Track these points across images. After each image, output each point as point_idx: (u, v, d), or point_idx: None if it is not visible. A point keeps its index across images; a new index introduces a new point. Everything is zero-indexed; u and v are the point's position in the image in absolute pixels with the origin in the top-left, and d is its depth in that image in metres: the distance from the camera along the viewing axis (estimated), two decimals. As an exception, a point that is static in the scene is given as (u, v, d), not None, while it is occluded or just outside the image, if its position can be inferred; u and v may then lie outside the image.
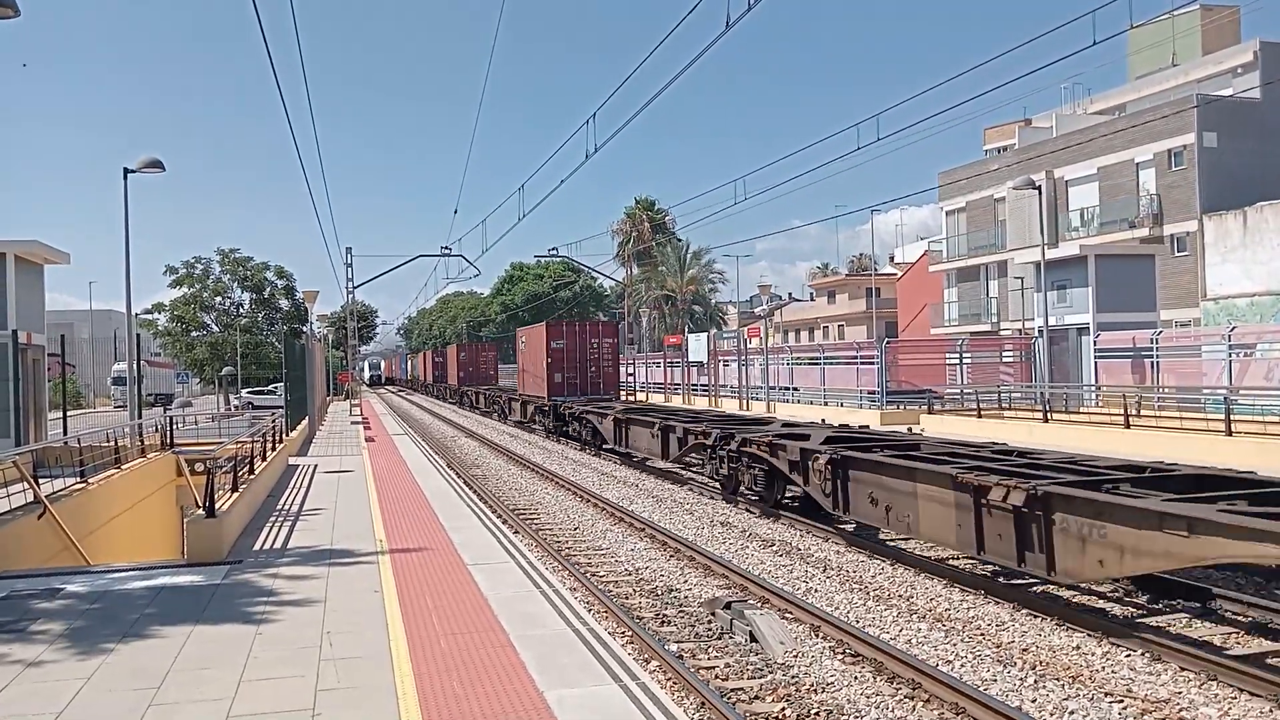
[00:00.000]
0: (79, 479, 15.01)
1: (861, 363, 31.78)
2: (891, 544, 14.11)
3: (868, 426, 21.07)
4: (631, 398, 42.67)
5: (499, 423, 45.06)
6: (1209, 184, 36.15)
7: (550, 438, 34.98)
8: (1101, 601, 11.18)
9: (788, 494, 16.95)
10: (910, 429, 20.69)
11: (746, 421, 23.17)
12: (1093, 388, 25.32)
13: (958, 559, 13.31)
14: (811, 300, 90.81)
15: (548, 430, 35.73)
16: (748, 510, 17.68)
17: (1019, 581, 11.97)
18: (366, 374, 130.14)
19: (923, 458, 13.30)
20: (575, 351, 36.15)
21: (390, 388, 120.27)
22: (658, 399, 47.33)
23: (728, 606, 10.58)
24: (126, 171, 21.37)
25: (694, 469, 22.46)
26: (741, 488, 18.08)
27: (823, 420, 21.77)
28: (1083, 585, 10.99)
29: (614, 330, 39.72)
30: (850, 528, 15.08)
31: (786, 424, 20.50)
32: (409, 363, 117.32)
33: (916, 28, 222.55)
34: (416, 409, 64.25)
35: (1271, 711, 7.71)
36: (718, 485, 19.40)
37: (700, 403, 41.80)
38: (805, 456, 15.08)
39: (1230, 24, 47.41)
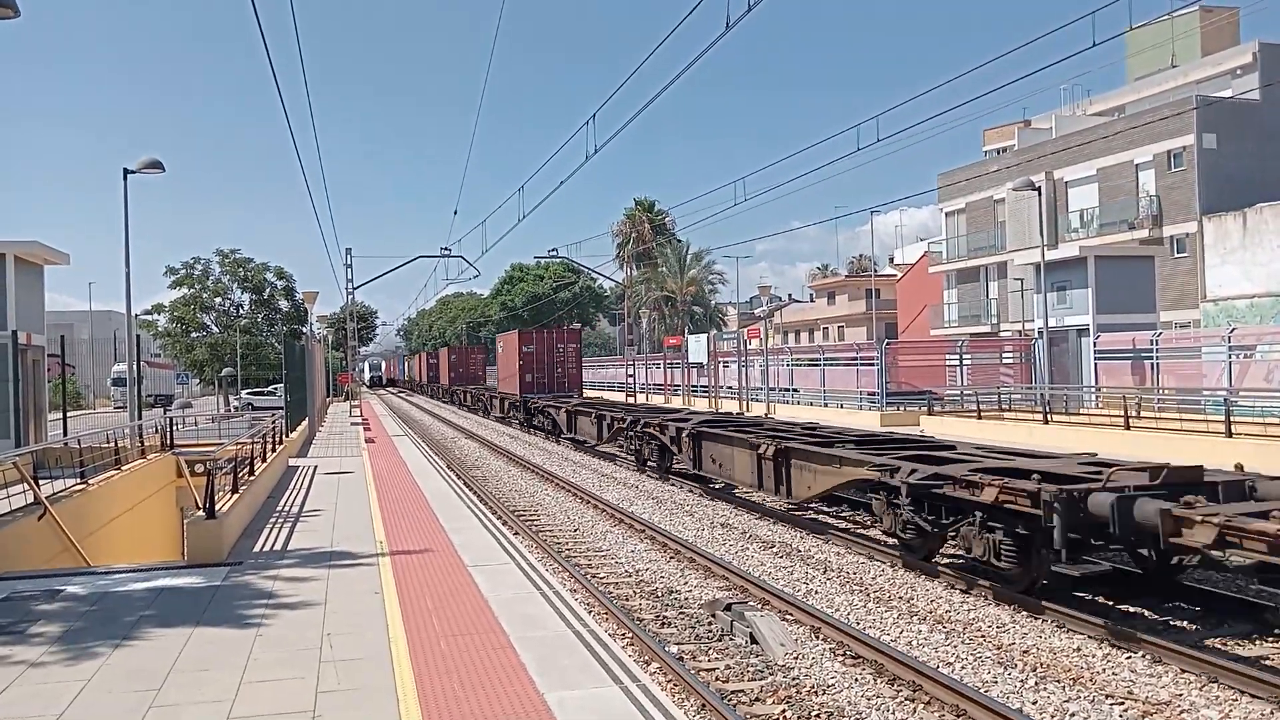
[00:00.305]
0: (79, 480, 15.00)
1: (861, 364, 31.77)
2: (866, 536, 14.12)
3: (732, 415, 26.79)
4: (603, 395, 47.20)
5: (496, 423, 45.23)
6: (1208, 185, 36.16)
7: (526, 430, 39.14)
8: (1103, 602, 11.17)
9: (675, 464, 22.17)
10: (898, 429, 20.71)
11: (666, 411, 28.42)
12: (1093, 389, 25.33)
13: (957, 561, 13.33)
14: (811, 301, 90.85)
15: (520, 423, 40.29)
16: (650, 476, 22.94)
17: (1018, 588, 11.98)
18: (367, 375, 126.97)
19: (741, 430, 18.94)
20: (544, 355, 40.69)
21: (391, 389, 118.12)
22: (658, 400, 47.35)
23: (728, 608, 10.58)
24: (126, 172, 21.39)
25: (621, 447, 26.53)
26: (648, 461, 23.27)
27: (789, 418, 25.71)
28: (808, 505, 16.55)
29: (577, 336, 43.87)
30: (718, 485, 20.10)
31: (695, 412, 27.56)
32: (405, 364, 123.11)
33: (916, 29, 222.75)
34: (416, 410, 64.25)
35: (1273, 714, 7.71)
36: (631, 459, 24.83)
37: (700, 404, 41.81)
38: (679, 432, 20.73)
39: (1229, 25, 47.45)
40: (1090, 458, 12.55)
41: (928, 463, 12.55)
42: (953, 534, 11.63)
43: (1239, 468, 10.89)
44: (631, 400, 44.19)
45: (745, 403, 36.91)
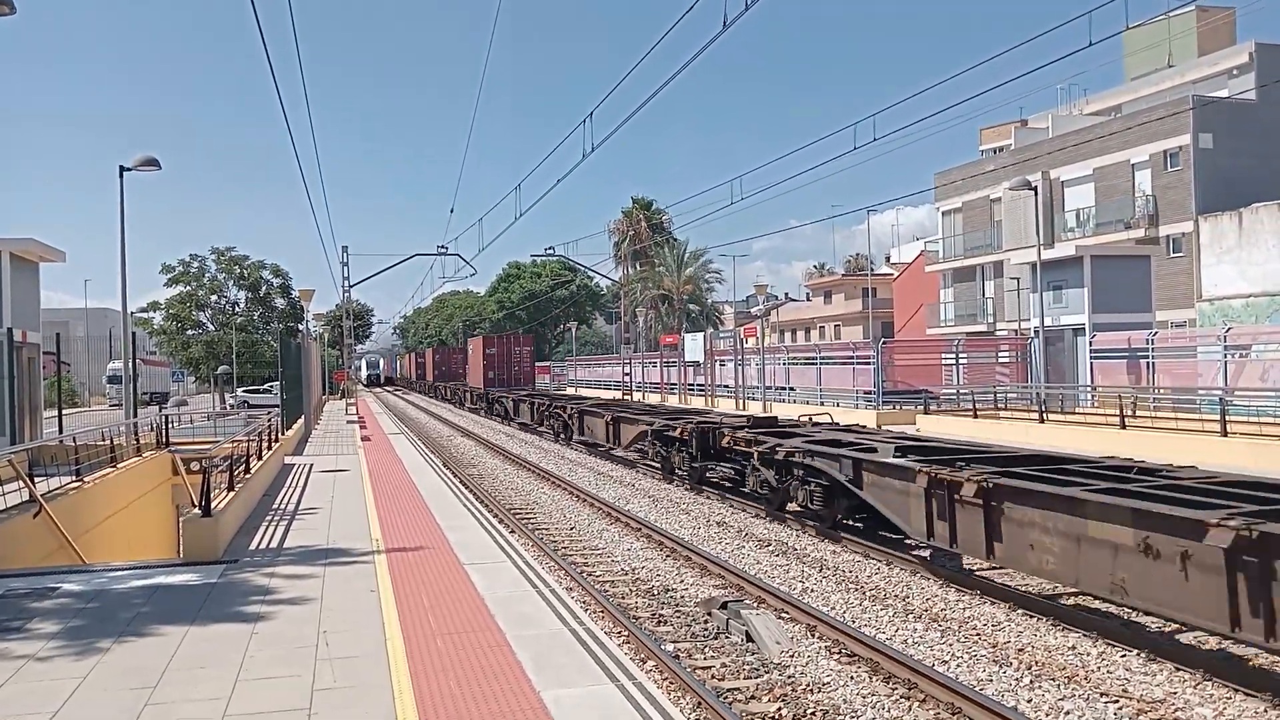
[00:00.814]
0: (74, 478, 14.98)
1: (857, 363, 31.77)
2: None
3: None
4: (592, 393, 53.18)
5: (484, 418, 45.69)
6: (1205, 185, 36.22)
7: (488, 416, 48.11)
8: (1097, 602, 11.21)
9: (579, 437, 29.65)
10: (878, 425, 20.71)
11: (578, 399, 36.47)
12: (1088, 388, 25.36)
13: (951, 560, 13.37)
14: (808, 300, 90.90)
15: (484, 411, 49.35)
16: (569, 445, 31.03)
17: (1013, 583, 12.01)
18: (364, 373, 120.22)
19: (601, 406, 25.18)
20: (503, 356, 51.51)
21: (390, 388, 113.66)
22: (654, 399, 47.37)
23: (724, 606, 10.59)
24: (122, 169, 21.34)
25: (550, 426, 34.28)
26: (559, 433, 31.49)
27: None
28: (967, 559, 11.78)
29: (531, 341, 56.47)
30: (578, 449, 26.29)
31: (603, 399, 36.14)
32: (398, 363, 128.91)
33: (913, 28, 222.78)
34: (412, 408, 64.27)
35: (1267, 712, 7.73)
36: (550, 433, 33.07)
37: (696, 403, 41.83)
38: (576, 411, 29.66)
39: (1226, 25, 47.51)
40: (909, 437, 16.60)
41: (780, 438, 16.35)
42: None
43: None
44: (614, 396, 47.66)
45: (741, 401, 36.92)
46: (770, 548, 14.53)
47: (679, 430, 20.34)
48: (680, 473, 20.82)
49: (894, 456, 12.73)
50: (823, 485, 14.40)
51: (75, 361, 75.52)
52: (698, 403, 41.69)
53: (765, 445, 16.24)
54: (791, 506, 15.99)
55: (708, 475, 20.11)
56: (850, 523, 14.75)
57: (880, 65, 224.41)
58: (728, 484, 19.42)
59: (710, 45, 15.34)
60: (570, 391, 54.55)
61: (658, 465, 22.65)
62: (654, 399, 47.46)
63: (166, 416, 24.27)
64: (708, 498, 19.34)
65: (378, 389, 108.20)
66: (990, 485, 10.30)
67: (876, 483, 12.91)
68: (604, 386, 57.08)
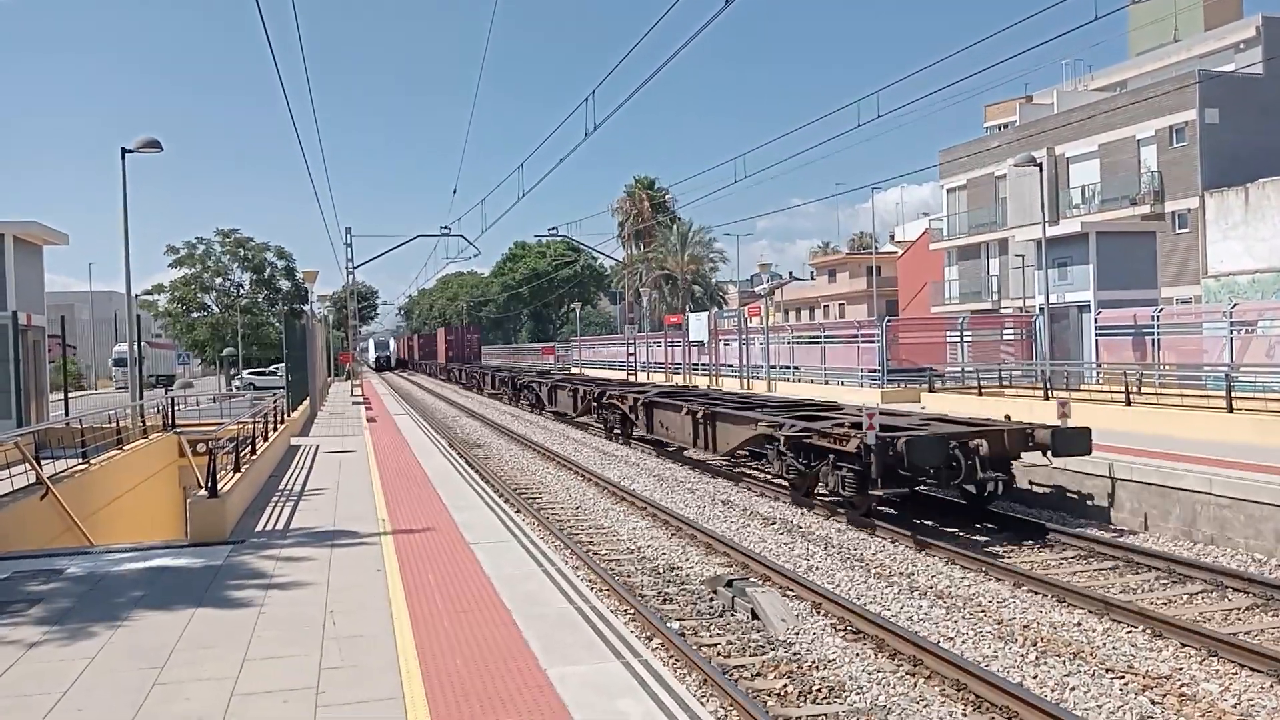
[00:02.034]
0: (81, 460, 15.02)
1: (862, 341, 31.70)
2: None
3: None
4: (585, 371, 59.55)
5: (482, 396, 45.61)
6: (1210, 161, 35.97)
7: (448, 382, 70.54)
8: (1103, 579, 11.22)
9: (490, 390, 46.81)
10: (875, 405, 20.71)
11: (525, 370, 49.93)
12: (1093, 365, 25.30)
13: (957, 537, 13.38)
14: (812, 279, 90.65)
15: (445, 378, 73.87)
16: (518, 405, 41.05)
17: (1018, 560, 12.03)
18: (372, 354, 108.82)
19: (677, 399, 22.77)
20: (458, 341, 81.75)
21: (401, 371, 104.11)
22: (659, 378, 47.42)
23: (729, 584, 10.62)
24: (124, 151, 21.27)
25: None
26: (513, 397, 41.84)
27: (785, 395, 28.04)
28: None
29: (478, 329, 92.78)
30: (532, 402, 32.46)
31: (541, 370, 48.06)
32: (394, 345, 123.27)
33: (917, 4, 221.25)
34: (418, 389, 64.42)
35: (1272, 687, 7.74)
36: (504, 396, 45.15)
37: (701, 382, 41.84)
38: (510, 378, 43.02)
39: (1232, -1, 47.14)
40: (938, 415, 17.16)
41: (639, 393, 23.59)
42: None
43: (1007, 418, 15.01)
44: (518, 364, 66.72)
45: (745, 380, 36.90)
46: (775, 526, 14.56)
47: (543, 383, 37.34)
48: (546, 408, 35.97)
49: (658, 397, 23.78)
50: (461, 378, 47.78)
51: (81, 345, 75.59)
52: (702, 382, 41.69)
53: (629, 398, 25.33)
54: (636, 432, 25.06)
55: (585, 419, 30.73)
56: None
57: (883, 42, 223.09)
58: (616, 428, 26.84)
59: (712, 22, 15.22)
60: (575, 371, 56.20)
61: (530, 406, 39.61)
62: (659, 378, 47.47)
63: (172, 399, 24.32)
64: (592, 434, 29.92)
65: (386, 373, 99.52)
66: (700, 412, 20.02)
67: (659, 413, 22.97)
68: (608, 367, 57.09)
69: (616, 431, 26.42)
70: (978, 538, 13.28)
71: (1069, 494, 14.85)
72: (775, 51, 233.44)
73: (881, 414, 14.37)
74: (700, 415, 19.93)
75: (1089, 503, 14.47)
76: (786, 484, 16.54)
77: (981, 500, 14.05)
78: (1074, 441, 13.83)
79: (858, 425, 13.77)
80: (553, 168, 72.57)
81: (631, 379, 44.80)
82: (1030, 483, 15.43)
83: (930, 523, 14.17)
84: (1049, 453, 13.75)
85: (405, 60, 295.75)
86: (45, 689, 6.33)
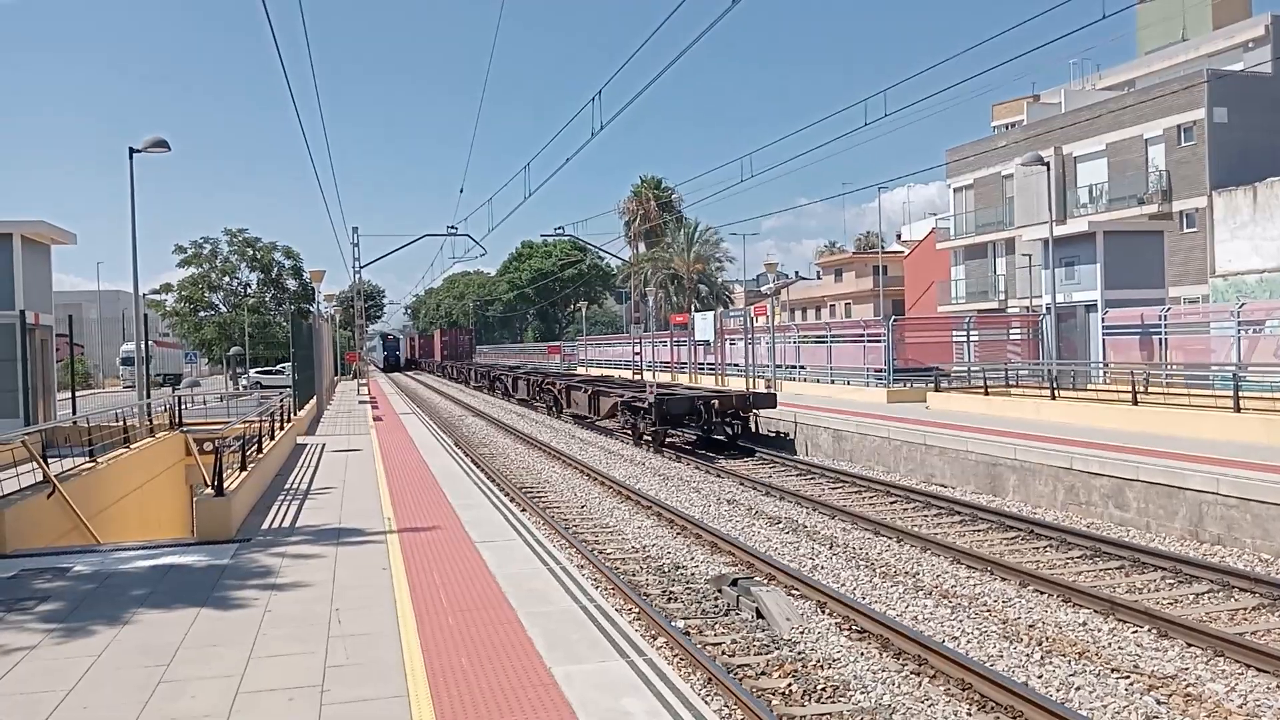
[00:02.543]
0: (88, 458, 15.05)
1: (868, 341, 31.62)
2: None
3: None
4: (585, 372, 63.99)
5: (501, 400, 45.73)
6: (1219, 160, 35.86)
7: (442, 377, 79.22)
8: (1109, 578, 11.20)
9: (474, 383, 57.01)
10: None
11: (502, 366, 57.20)
12: (1100, 365, 25.21)
13: (963, 536, 13.37)
14: (818, 279, 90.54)
15: (442, 375, 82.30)
16: (493, 394, 49.10)
17: (1024, 562, 12.02)
18: (379, 354, 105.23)
19: (582, 384, 33.24)
20: (453, 340, 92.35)
21: (411, 372, 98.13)
22: (664, 378, 47.48)
23: (734, 583, 10.62)
24: (132, 151, 21.32)
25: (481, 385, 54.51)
26: (490, 389, 48.59)
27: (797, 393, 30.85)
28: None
29: (470, 331, 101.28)
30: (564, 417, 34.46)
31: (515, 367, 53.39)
32: (404, 343, 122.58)
33: (925, 2, 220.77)
34: (423, 388, 64.48)
35: (1278, 688, 7.72)
36: (484, 388, 53.16)
37: (707, 381, 41.87)
38: (488, 372, 53.43)
39: (1241, -2, 46.99)
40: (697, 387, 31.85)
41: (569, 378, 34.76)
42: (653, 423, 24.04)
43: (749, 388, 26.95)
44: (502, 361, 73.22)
45: (751, 380, 36.86)
46: (780, 525, 14.56)
47: (514, 373, 46.61)
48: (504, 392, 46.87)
49: (573, 383, 34.42)
50: (452, 373, 65.54)
51: (88, 344, 75.84)
52: (708, 381, 41.70)
53: (558, 384, 36.16)
54: (568, 411, 33.79)
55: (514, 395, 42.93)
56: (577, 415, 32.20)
57: (891, 41, 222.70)
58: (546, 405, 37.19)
59: (719, 21, 15.23)
60: (580, 371, 57.38)
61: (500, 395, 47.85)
62: (664, 378, 47.50)
63: (179, 397, 24.37)
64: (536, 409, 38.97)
65: (395, 374, 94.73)
66: (591, 389, 30.49)
67: (573, 393, 32.92)
68: (614, 366, 57.09)
69: (554, 409, 35.95)
70: (715, 456, 22.73)
71: (784, 437, 24.05)
72: (782, 51, 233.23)
73: (660, 387, 28.49)
74: (590, 393, 30.50)
75: (788, 439, 23.87)
76: (628, 432, 26.44)
77: (733, 439, 24.10)
78: (763, 400, 24.72)
79: (395, 354, 47.58)
80: (560, 167, 72.50)
81: (585, 374, 50.81)
82: (776, 432, 24.42)
83: (703, 453, 23.16)
84: (750, 406, 24.42)
85: (412, 60, 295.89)
86: (52, 686, 6.35)
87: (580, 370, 56.76)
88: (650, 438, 24.40)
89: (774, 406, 24.32)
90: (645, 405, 24.00)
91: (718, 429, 23.96)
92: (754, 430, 24.60)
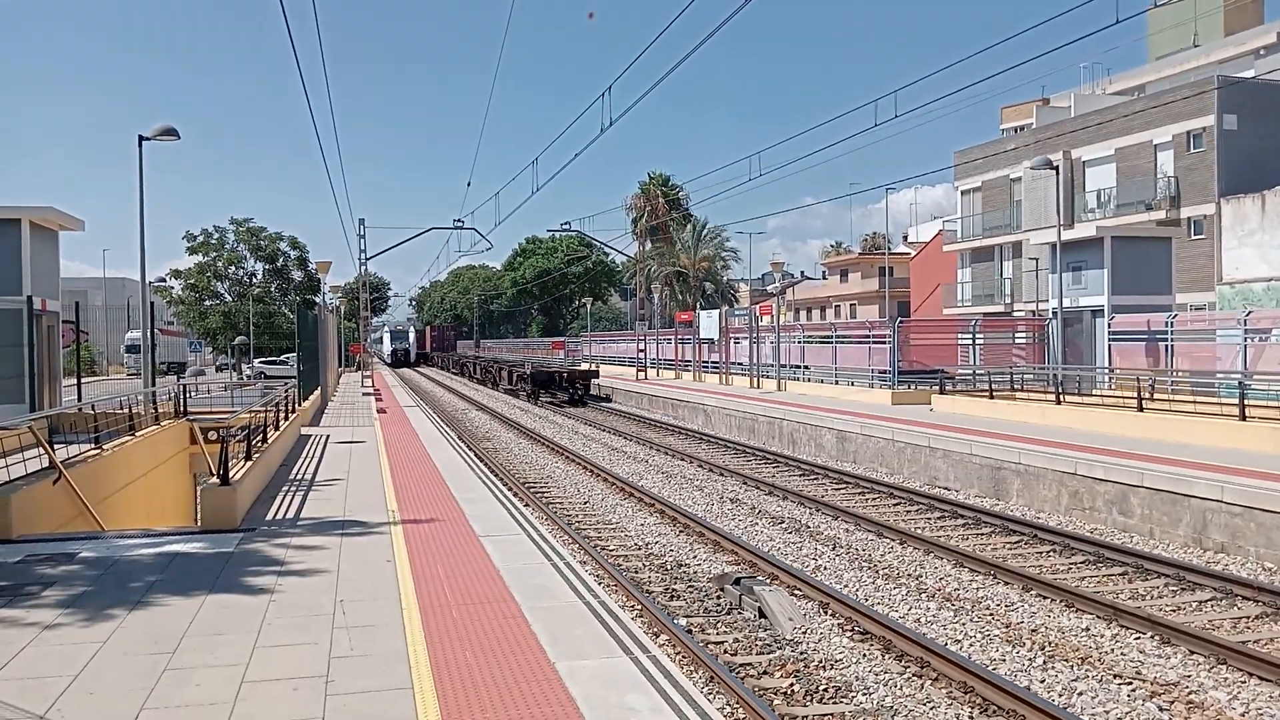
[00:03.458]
0: (94, 445, 15.07)
1: (873, 342, 31.61)
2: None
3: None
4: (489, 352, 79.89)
5: (498, 392, 45.84)
6: (1228, 167, 35.79)
7: (430, 366, 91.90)
8: (1112, 584, 11.20)
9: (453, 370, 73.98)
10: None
11: (477, 357, 70.49)
12: (1106, 370, 25.19)
13: (966, 540, 13.36)
14: (823, 279, 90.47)
15: (430, 364, 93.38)
16: (463, 377, 65.13)
17: (1027, 566, 12.01)
18: (387, 346, 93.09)
19: (498, 364, 54.48)
20: (440, 335, 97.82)
21: (420, 369, 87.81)
22: (669, 375, 47.46)
23: (737, 582, 10.62)
24: (141, 139, 21.33)
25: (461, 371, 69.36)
26: (467, 374, 65.57)
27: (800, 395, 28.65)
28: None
29: (455, 327, 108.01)
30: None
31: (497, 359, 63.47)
32: (414, 335, 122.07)
33: (936, 4, 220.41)
34: (426, 380, 64.56)
35: (1280, 696, 7.71)
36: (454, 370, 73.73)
37: (711, 380, 41.88)
38: (469, 359, 72.03)
39: (1253, 5, 46.88)
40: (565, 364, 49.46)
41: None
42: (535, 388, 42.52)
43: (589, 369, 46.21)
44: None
45: (756, 379, 36.88)
46: (784, 525, 14.57)
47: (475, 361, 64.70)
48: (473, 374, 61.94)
49: (491, 362, 58.25)
50: (462, 365, 70.77)
51: (94, 331, 75.85)
52: (712, 380, 41.72)
53: (493, 366, 53.61)
54: (503, 385, 48.73)
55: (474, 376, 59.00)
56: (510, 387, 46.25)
57: (901, 41, 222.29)
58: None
59: (731, 19, 15.22)
60: (507, 357, 71.39)
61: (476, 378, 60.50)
62: (668, 375, 47.49)
63: (184, 385, 24.40)
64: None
65: (403, 369, 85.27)
66: (504, 368, 51.18)
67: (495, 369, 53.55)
68: (618, 363, 57.13)
69: (492, 383, 52.15)
70: (566, 407, 38.89)
71: (607, 397, 41.73)
72: (793, 49, 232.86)
73: (535, 365, 45.32)
74: (503, 370, 46.82)
75: (609, 398, 41.78)
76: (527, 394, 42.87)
77: (581, 399, 40.69)
78: (592, 374, 43.67)
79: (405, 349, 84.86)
80: (568, 162, 72.63)
81: (500, 357, 65.25)
82: (606, 395, 41.38)
83: (568, 410, 35.43)
84: (587, 378, 43.23)
85: (422, 52, 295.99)
86: (58, 671, 6.37)
87: (519, 357, 68.56)
88: (529, 394, 42.64)
89: (597, 376, 44.26)
90: (527, 375, 43.17)
91: (569, 390, 41.37)
92: (591, 393, 42.49)
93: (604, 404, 40.69)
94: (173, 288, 68.31)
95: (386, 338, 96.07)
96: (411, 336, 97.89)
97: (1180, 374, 22.84)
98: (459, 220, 53.58)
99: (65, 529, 12.17)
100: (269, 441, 15.78)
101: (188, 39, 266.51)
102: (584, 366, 47.30)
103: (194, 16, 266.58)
